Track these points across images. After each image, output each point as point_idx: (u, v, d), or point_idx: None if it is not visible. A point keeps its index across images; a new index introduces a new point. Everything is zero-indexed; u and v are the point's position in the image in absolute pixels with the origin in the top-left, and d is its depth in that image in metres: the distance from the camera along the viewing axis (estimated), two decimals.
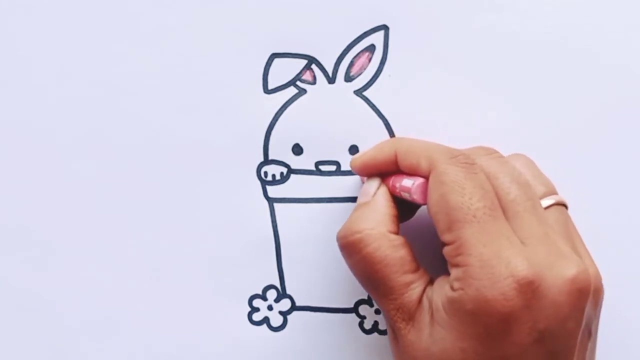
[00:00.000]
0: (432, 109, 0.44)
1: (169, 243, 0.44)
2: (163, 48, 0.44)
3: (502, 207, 0.36)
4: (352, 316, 0.44)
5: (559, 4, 0.44)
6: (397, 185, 0.39)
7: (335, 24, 0.43)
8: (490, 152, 0.39)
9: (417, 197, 0.38)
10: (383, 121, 0.44)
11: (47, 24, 0.44)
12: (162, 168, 0.44)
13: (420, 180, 0.38)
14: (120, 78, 0.44)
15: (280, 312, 0.44)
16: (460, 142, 0.43)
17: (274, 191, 0.44)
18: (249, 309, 0.44)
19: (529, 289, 0.34)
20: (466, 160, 0.37)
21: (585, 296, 0.35)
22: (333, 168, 0.44)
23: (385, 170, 0.40)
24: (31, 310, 0.44)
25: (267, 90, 0.44)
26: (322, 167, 0.44)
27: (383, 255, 0.37)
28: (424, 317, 0.36)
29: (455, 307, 0.35)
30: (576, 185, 0.43)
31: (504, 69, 0.43)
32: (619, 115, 0.44)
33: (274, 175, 0.44)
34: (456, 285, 0.35)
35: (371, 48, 0.44)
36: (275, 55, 0.44)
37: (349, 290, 0.44)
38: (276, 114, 0.44)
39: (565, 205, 0.40)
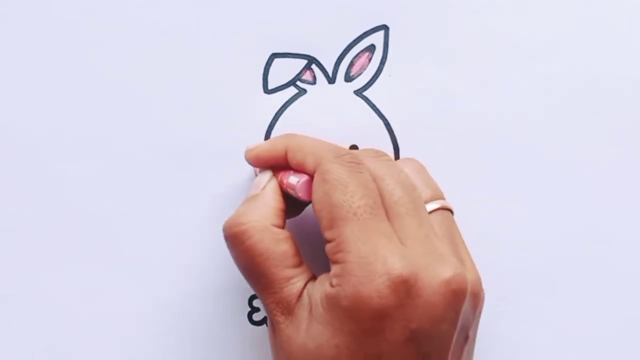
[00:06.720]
0: (432, 109, 0.44)
1: (168, 243, 0.44)
2: (163, 48, 0.44)
3: (386, 208, 0.37)
4: None
5: (559, 3, 0.44)
6: (285, 181, 0.39)
7: (335, 24, 0.43)
8: (380, 155, 0.39)
9: (301, 194, 0.38)
10: (383, 121, 0.44)
11: (46, 23, 0.44)
12: (162, 168, 0.44)
13: (305, 177, 0.38)
14: (120, 78, 0.44)
15: None
16: (460, 141, 0.43)
17: None
18: (249, 309, 0.44)
19: (403, 288, 0.34)
20: (352, 159, 0.37)
21: (461, 299, 0.35)
22: None
23: (276, 165, 0.40)
24: (33, 310, 0.44)
25: (267, 90, 0.44)
26: None
27: (265, 248, 0.37)
28: (303, 312, 0.36)
29: (332, 303, 0.35)
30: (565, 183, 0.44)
31: (504, 68, 0.44)
32: (619, 117, 0.44)
33: None
34: (335, 281, 0.35)
35: (371, 48, 0.44)
36: (275, 55, 0.44)
37: None
38: (276, 114, 0.44)
39: (451, 210, 0.40)
